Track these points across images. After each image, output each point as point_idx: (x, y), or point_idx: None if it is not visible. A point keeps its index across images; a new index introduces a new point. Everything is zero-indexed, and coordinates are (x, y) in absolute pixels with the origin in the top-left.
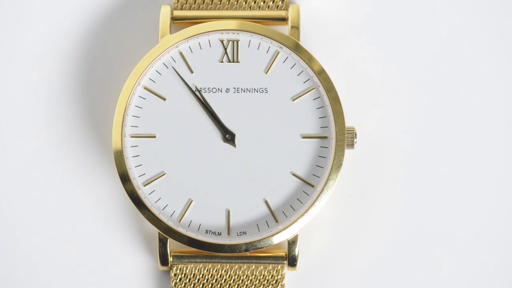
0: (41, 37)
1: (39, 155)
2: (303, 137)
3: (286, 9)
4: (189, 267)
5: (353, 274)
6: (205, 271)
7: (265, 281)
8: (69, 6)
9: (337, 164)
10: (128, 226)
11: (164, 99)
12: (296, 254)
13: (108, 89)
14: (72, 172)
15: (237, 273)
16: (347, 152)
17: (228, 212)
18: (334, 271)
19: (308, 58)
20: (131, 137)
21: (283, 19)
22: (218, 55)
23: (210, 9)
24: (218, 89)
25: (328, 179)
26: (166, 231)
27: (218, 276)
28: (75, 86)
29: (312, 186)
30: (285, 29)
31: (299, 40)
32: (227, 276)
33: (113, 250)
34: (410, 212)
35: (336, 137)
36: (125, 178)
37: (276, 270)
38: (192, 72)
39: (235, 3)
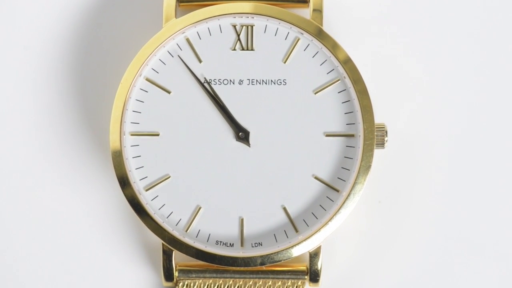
0: (31, 21)
1: (27, 156)
2: (327, 136)
3: None
4: (197, 283)
5: None
6: (215, 287)
7: None
8: None
9: (365, 166)
10: (128, 236)
11: (169, 92)
12: (319, 268)
13: (106, 81)
14: (64, 176)
15: None
16: (377, 152)
17: (242, 221)
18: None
19: (332, 46)
20: (131, 135)
21: (304, 1)
22: (230, 42)
23: None
24: (230, 80)
25: (355, 183)
26: (171, 242)
27: None
28: (69, 78)
29: (337, 191)
30: (306, 13)
31: (322, 25)
32: None
33: (111, 263)
34: (448, 220)
35: (364, 135)
36: (124, 182)
37: (296, 286)
38: (200, 61)
39: None
